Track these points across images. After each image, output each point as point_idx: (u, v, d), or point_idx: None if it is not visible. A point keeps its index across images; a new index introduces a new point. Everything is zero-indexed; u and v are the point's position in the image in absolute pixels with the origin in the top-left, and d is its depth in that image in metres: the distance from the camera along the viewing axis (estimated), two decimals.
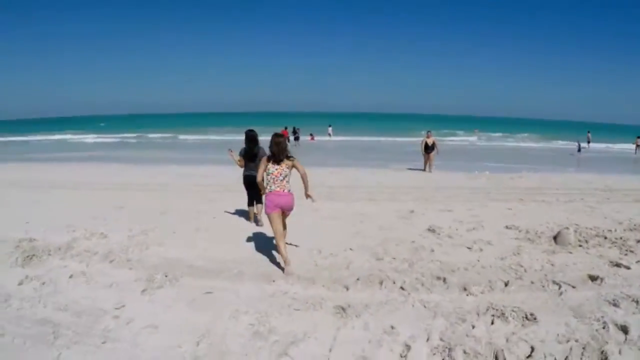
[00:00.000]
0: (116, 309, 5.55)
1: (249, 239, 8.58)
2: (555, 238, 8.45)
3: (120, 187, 15.25)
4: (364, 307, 5.44)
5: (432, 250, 7.75)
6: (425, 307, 5.48)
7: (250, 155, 9.53)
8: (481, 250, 7.87)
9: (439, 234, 8.81)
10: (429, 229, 9.15)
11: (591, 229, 9.07)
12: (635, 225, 9.40)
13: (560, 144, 48.84)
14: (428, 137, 20.13)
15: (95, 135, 56.44)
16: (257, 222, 9.81)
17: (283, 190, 6.97)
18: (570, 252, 7.65)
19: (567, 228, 8.69)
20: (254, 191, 9.47)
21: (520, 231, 9.09)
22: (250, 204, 10.00)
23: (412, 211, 10.92)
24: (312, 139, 41.68)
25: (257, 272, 6.76)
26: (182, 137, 51.66)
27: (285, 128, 35.26)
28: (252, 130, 9.59)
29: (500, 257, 7.46)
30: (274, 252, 7.64)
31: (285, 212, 7.16)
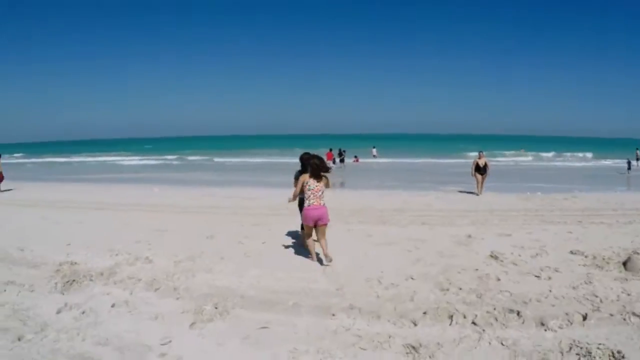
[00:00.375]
0: (162, 344, 5.19)
1: (301, 267, 8.19)
2: (624, 264, 7.92)
3: (164, 209, 15.19)
4: (437, 346, 5.01)
5: (499, 279, 7.27)
6: (502, 344, 5.03)
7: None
8: (550, 278, 7.36)
9: (502, 261, 8.32)
10: (491, 256, 8.66)
11: None
12: None
13: (608, 162, 47.07)
14: (480, 157, 18.82)
15: (139, 157, 57.45)
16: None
17: (320, 204, 8.04)
18: None
19: (638, 253, 8.24)
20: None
21: (586, 257, 8.56)
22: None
23: (469, 236, 10.43)
24: (357, 160, 41.25)
25: (314, 304, 6.34)
26: (222, 159, 52.22)
27: (330, 150, 34.99)
28: (308, 154, 8.70)
29: (571, 286, 6.94)
30: (329, 282, 7.29)
31: (319, 224, 8.10)
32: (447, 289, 6.79)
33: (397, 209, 14.52)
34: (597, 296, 6.43)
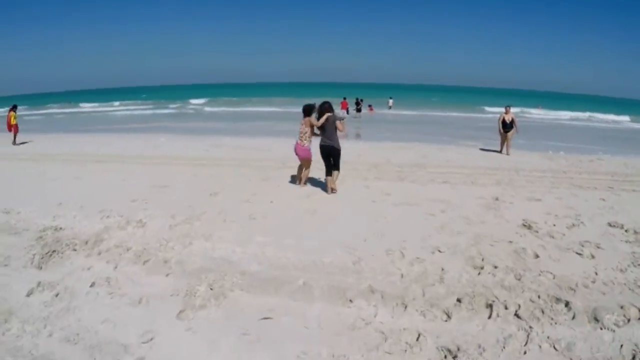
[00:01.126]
0: (142, 342, 4.22)
1: (312, 233, 7.13)
2: None
3: (169, 161, 14.01)
4: (478, 350, 4.06)
5: (537, 256, 6.28)
6: (555, 349, 4.08)
7: (323, 124, 9.47)
8: (593, 257, 6.38)
9: (537, 232, 7.33)
10: (524, 225, 7.68)
11: None
12: None
13: (629, 123, 45.12)
14: (506, 112, 16.61)
15: (140, 106, 54.77)
16: (332, 190, 9.68)
17: (300, 144, 9.75)
18: None
19: None
20: (332, 160, 9.51)
21: (626, 231, 7.57)
22: (328, 173, 9.66)
23: (496, 199, 9.41)
24: (372, 110, 39.55)
25: (328, 284, 5.33)
26: (231, 108, 48.54)
27: (344, 98, 33.38)
28: (326, 102, 9.64)
29: (619, 268, 5.99)
30: (345, 254, 6.28)
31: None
32: (481, 267, 5.80)
33: (416, 164, 13.40)
34: None
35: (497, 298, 4.92)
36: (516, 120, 16.86)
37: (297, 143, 9.73)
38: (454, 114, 41.21)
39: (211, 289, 5.19)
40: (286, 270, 5.72)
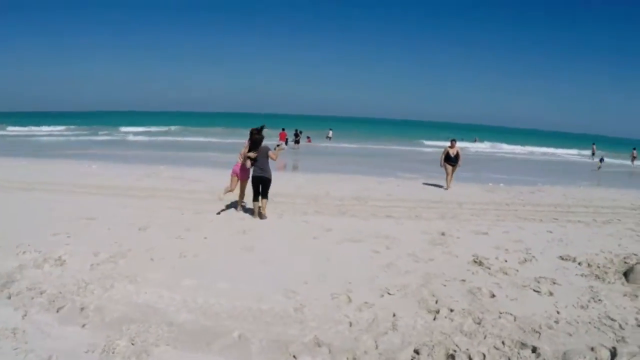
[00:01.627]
0: None
1: (250, 275, 6.36)
2: (626, 275, 6.79)
3: (99, 190, 12.80)
4: None
5: (493, 295, 5.81)
6: None
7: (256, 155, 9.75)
8: (551, 294, 6.02)
9: (489, 268, 6.92)
10: (474, 261, 7.26)
11: None
12: None
13: (561, 153, 46.83)
14: (452, 146, 16.03)
15: (72, 130, 50.96)
16: (261, 216, 9.78)
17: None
18: None
19: (633, 261, 7.26)
20: (261, 188, 9.81)
21: (579, 264, 7.36)
22: (255, 199, 9.87)
23: (443, 233, 8.99)
24: (310, 141, 39.30)
25: (268, 338, 4.57)
26: (165, 137, 45.12)
27: (283, 129, 32.94)
28: (255, 129, 9.87)
29: (580, 304, 5.68)
30: (286, 298, 5.57)
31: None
32: (436, 311, 5.21)
33: (357, 197, 12.89)
34: (614, 319, 5.18)
35: (458, 347, 4.33)
36: (461, 154, 16.44)
37: (240, 164, 9.97)
38: (394, 147, 41.31)
39: (132, 344, 4.34)
40: (219, 320, 4.92)
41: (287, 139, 32.21)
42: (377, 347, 4.35)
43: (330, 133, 44.66)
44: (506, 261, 7.32)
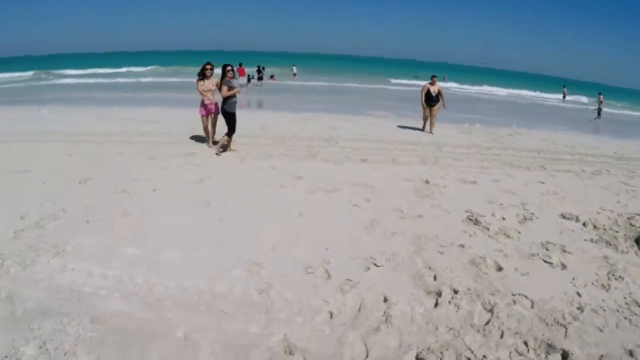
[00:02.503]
0: None
1: (205, 240, 5.13)
2: (638, 242, 6.01)
3: (42, 137, 10.67)
4: None
5: (500, 268, 4.85)
6: None
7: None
8: (564, 266, 5.12)
9: (487, 229, 5.98)
10: (469, 218, 6.31)
11: None
12: None
13: (531, 95, 46.01)
14: (432, 83, 13.77)
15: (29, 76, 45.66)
16: (217, 150, 9.41)
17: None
18: None
19: None
20: (230, 123, 9.45)
21: (584, 224, 6.54)
22: (229, 134, 9.52)
23: (427, 182, 7.99)
24: (274, 79, 37.20)
25: (222, 337, 3.46)
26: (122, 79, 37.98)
27: (240, 64, 30.54)
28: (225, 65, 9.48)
29: (600, 283, 4.80)
30: (249, 276, 4.39)
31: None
32: (437, 294, 4.18)
33: (326, 137, 11.64)
34: None
35: (472, 352, 3.33)
36: (444, 93, 14.24)
37: (207, 102, 9.77)
38: (361, 84, 39.34)
39: (42, 353, 3.18)
40: (161, 310, 3.75)
41: (248, 76, 30.17)
42: (368, 355, 3.29)
43: (295, 69, 42.60)
44: (504, 219, 6.40)
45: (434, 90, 13.73)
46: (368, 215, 6.09)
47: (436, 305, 3.97)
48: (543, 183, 8.70)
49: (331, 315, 3.73)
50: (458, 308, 3.92)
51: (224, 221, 5.66)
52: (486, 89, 46.38)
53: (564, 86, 42.99)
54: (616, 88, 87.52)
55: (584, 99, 43.18)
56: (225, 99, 9.29)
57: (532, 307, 4.11)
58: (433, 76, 14.02)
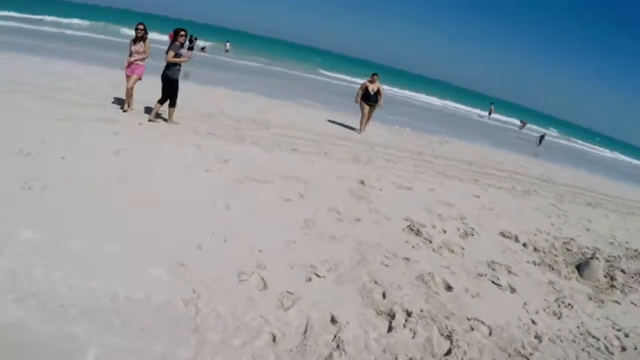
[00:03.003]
0: None
1: (117, 225, 4.26)
2: (579, 269, 6.03)
3: None
4: None
5: (450, 288, 4.47)
6: None
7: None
8: (513, 290, 4.92)
9: (430, 241, 5.64)
10: (410, 227, 5.95)
11: (613, 257, 7.06)
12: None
13: (458, 108, 47.03)
14: (372, 81, 12.94)
15: None
16: (153, 120, 8.84)
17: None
18: (618, 302, 5.28)
19: (596, 258, 6.29)
20: (169, 92, 8.90)
21: (524, 245, 6.50)
22: (161, 102, 8.94)
23: (362, 182, 7.57)
24: (204, 52, 35.75)
25: (151, 351, 2.79)
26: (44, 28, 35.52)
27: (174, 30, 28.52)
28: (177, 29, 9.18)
29: (552, 310, 4.64)
30: (172, 273, 3.65)
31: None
32: (390, 315, 3.65)
33: (255, 120, 10.92)
34: (596, 337, 4.26)
35: None
36: (383, 92, 13.33)
37: (133, 63, 9.20)
38: (292, 71, 38.21)
39: None
40: (66, 323, 2.86)
41: (177, 42, 28.60)
42: None
43: (228, 45, 41.34)
44: (445, 232, 6.12)
45: (372, 88, 12.96)
46: (302, 212, 5.51)
47: (390, 329, 3.46)
48: (478, 197, 8.62)
49: (274, 339, 3.07)
50: (414, 334, 3.43)
51: (141, 203, 4.79)
52: (414, 94, 47.01)
53: (492, 103, 44.22)
54: (540, 113, 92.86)
55: (508, 119, 45.67)
56: (169, 65, 8.79)
57: (490, 334, 3.76)
58: (374, 74, 13.19)
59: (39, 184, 4.79)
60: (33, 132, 6.54)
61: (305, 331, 3.22)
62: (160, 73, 8.86)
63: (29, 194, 4.54)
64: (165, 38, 9.58)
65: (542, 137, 29.21)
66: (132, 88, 9.15)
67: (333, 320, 3.41)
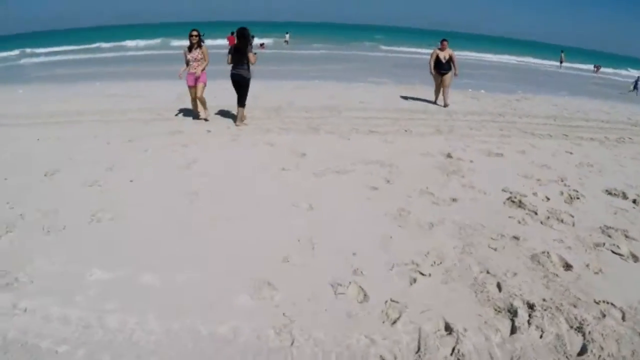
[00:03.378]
0: None
1: (195, 249, 4.01)
2: None
3: (15, 120, 9.31)
4: None
5: (569, 266, 3.96)
6: None
7: (238, 52, 8.61)
8: (635, 258, 4.21)
9: (535, 213, 5.06)
10: (511, 200, 5.40)
11: None
12: None
13: (528, 61, 44.86)
14: (442, 48, 11.80)
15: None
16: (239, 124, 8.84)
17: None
18: None
19: None
20: (241, 91, 8.81)
21: (634, 202, 5.65)
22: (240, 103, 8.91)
23: (449, 155, 7.07)
24: (263, 48, 35.76)
25: None
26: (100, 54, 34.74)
27: (232, 33, 28.96)
28: (244, 29, 8.78)
29: None
30: (258, 301, 3.34)
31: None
32: (511, 312, 3.21)
33: (327, 106, 10.60)
34: None
35: None
36: (456, 58, 12.08)
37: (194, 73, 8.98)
38: (352, 52, 37.70)
39: None
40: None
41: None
42: None
43: (287, 36, 41.34)
44: (548, 199, 5.52)
45: (444, 56, 11.80)
46: (392, 202, 5.10)
47: (513, 330, 3.03)
48: (571, 153, 7.86)
49: None
50: (542, 332, 2.99)
51: (217, 220, 4.56)
52: (481, 55, 45.07)
53: (562, 52, 41.80)
54: (613, 55, 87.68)
55: (582, 66, 42.72)
56: (237, 65, 8.66)
57: (623, 319, 3.23)
58: (443, 40, 11.97)
59: (107, 215, 4.65)
60: (102, 159, 6.52)
61: (419, 349, 2.82)
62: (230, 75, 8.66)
63: (97, 227, 4.41)
64: (225, 42, 9.53)
65: (637, 82, 25.69)
66: (202, 96, 8.98)
67: (448, 329, 3.01)
